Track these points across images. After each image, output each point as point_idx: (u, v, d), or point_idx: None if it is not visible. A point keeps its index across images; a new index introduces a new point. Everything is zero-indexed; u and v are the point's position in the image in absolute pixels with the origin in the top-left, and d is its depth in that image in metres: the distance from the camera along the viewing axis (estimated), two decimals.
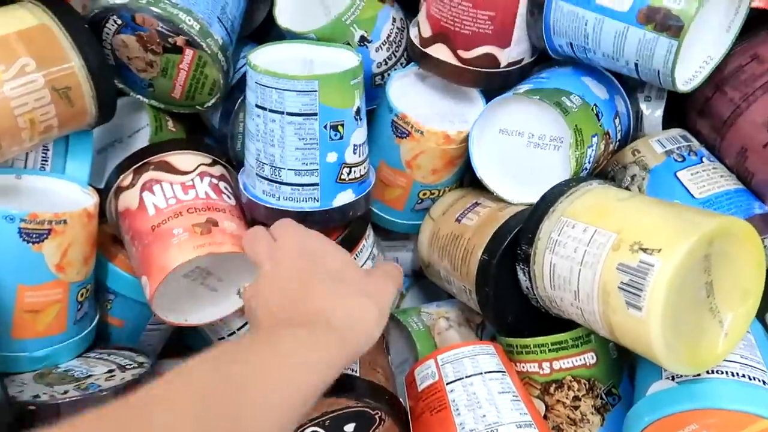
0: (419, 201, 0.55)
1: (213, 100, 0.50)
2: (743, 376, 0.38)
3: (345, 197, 0.47)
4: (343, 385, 0.41)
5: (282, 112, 0.44)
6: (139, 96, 0.51)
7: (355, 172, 0.47)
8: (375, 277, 0.40)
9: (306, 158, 0.45)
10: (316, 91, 0.43)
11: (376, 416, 0.42)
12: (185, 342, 0.63)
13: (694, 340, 0.37)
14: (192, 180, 0.47)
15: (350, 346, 0.35)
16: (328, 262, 0.40)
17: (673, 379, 0.39)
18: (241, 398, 0.29)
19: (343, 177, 0.46)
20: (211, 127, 0.55)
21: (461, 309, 0.55)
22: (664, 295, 0.34)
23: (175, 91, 0.50)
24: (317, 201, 0.46)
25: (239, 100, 0.50)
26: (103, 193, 0.49)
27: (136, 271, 0.47)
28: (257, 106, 0.44)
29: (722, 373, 0.38)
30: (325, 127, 0.45)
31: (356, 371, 0.43)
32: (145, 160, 0.48)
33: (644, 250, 0.35)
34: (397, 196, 0.54)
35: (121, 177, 0.48)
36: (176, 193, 0.46)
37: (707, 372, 0.38)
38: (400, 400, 0.45)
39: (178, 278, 0.45)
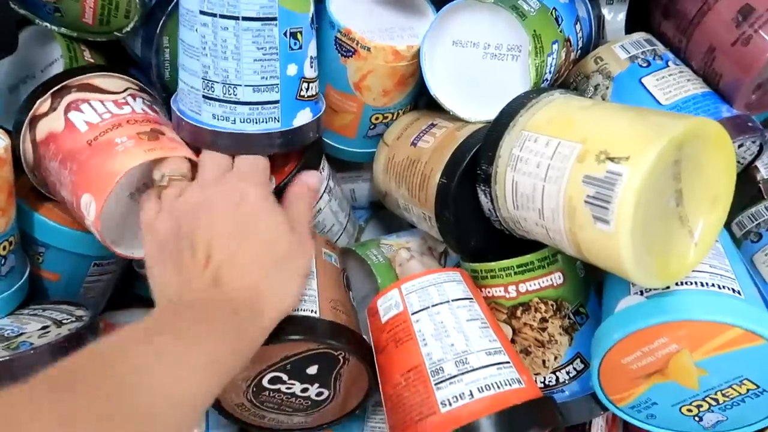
0: (372, 126, 0.51)
1: (131, 24, 0.45)
2: (712, 285, 0.37)
3: (304, 116, 0.42)
4: (303, 327, 0.39)
5: (237, 18, 0.38)
6: (45, 23, 0.45)
7: (312, 88, 0.43)
8: (297, 233, 0.39)
9: (265, 71, 0.40)
10: None
11: (340, 356, 0.40)
12: (137, 291, 0.59)
13: (664, 251, 0.35)
14: (124, 98, 0.42)
15: (268, 322, 0.36)
16: (261, 229, 0.38)
17: (641, 294, 0.38)
18: (140, 393, 0.28)
19: (302, 93, 0.42)
20: (134, 56, 0.50)
21: (423, 238, 0.53)
22: (633, 205, 0.31)
23: (86, 15, 0.44)
24: (278, 121, 0.41)
25: (161, 22, 0.44)
26: (15, 134, 0.43)
27: (73, 195, 0.41)
28: (203, 12, 0.38)
29: (691, 284, 0.37)
30: (285, 34, 0.39)
31: (316, 312, 0.41)
32: (63, 84, 0.42)
33: (611, 159, 0.33)
34: (347, 123, 0.50)
35: (36, 105, 0.42)
36: (110, 109, 0.42)
37: (676, 284, 0.37)
38: (364, 337, 0.43)
39: (124, 199, 0.41)
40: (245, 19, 0.38)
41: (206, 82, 0.40)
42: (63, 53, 0.46)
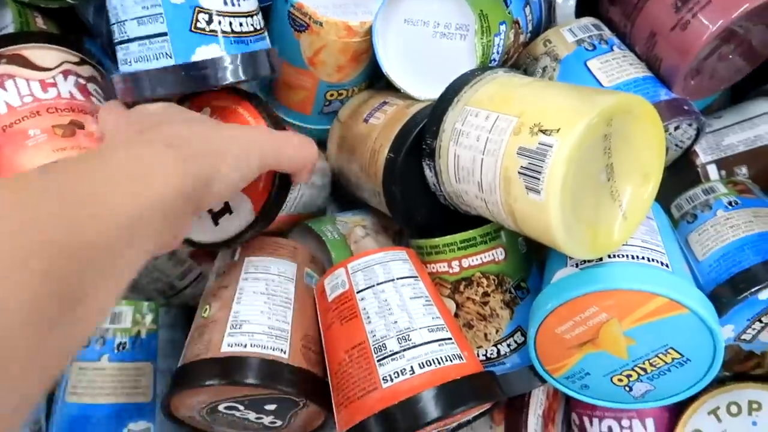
0: (327, 103, 0.51)
1: None
2: (642, 258, 0.38)
3: (208, 52, 0.38)
4: (270, 373, 0.38)
5: None
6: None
7: (222, 23, 0.39)
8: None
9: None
10: None
11: (301, 402, 0.40)
12: None
13: (594, 223, 0.37)
14: (53, 78, 0.42)
15: (193, 166, 0.31)
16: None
17: (576, 266, 0.39)
18: (74, 208, 0.25)
19: (199, 25, 0.38)
20: (87, 24, 0.50)
21: (378, 216, 0.54)
22: (562, 174, 0.32)
23: None
24: (170, 56, 0.38)
25: None
26: None
27: None
28: None
29: (622, 256, 0.38)
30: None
31: (286, 352, 0.40)
32: None
33: (543, 132, 0.34)
34: (302, 99, 0.51)
35: None
36: (33, 91, 0.41)
37: (608, 257, 0.38)
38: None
39: None
40: None
41: (114, 26, 0.39)
42: (14, 18, 0.46)
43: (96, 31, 0.47)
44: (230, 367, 0.38)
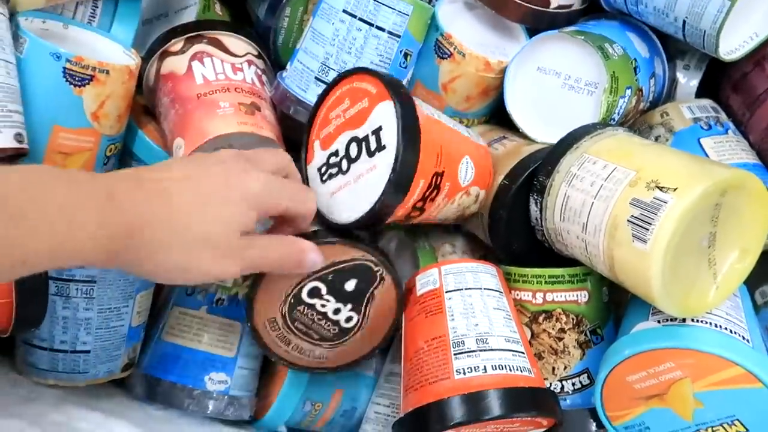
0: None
1: None
2: (725, 329, 0.40)
3: None
4: (349, 234, 0.43)
5: (372, 24, 0.46)
6: None
7: None
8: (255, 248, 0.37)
9: None
10: (408, 15, 0.46)
11: (378, 273, 0.44)
12: None
13: (688, 285, 0.39)
14: (241, 64, 0.48)
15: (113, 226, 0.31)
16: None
17: (658, 322, 0.41)
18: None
19: None
20: (255, 18, 0.56)
21: (467, 239, 0.57)
22: (672, 229, 0.35)
23: None
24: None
25: None
26: (144, 60, 0.50)
27: (170, 132, 0.48)
28: (345, 11, 0.46)
29: (706, 323, 0.40)
30: (401, 51, 0.47)
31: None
32: (198, 32, 0.49)
33: (660, 188, 0.37)
34: None
35: (172, 42, 0.49)
36: (226, 71, 0.47)
37: (692, 320, 0.40)
38: None
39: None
40: (378, 28, 0.46)
41: (323, 66, 0.47)
42: (198, 0, 0.53)
43: (263, 26, 0.53)
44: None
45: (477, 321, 0.42)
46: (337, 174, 0.44)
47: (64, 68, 0.42)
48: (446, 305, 0.44)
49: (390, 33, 0.46)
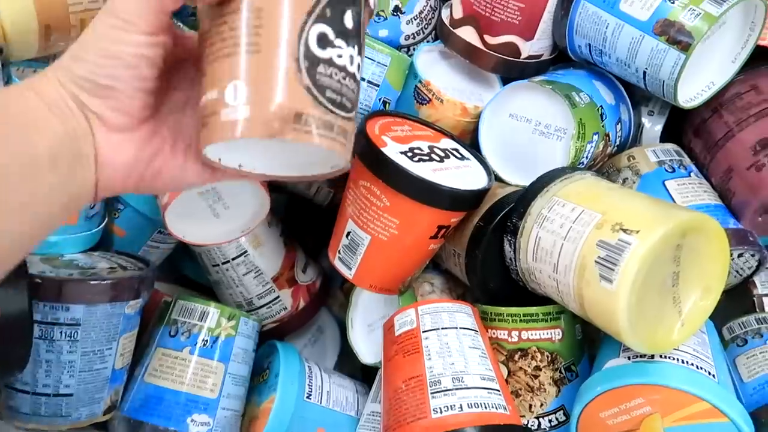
0: None
1: None
2: (692, 365, 0.41)
3: None
4: None
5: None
6: (179, 24, 0.54)
7: None
8: None
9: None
10: (386, 66, 0.49)
11: None
12: (179, 267, 0.65)
13: (655, 322, 0.41)
14: None
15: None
16: None
17: (629, 359, 0.43)
18: None
19: None
20: None
21: (445, 278, 0.59)
22: (635, 270, 0.37)
23: None
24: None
25: None
26: None
27: None
28: None
29: (674, 359, 0.42)
30: (380, 99, 0.50)
31: None
32: None
33: (624, 230, 0.39)
34: None
35: None
36: None
37: (660, 356, 0.42)
38: None
39: (193, 194, 0.48)
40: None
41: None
42: None
43: None
44: None
45: (453, 360, 0.44)
46: None
47: None
48: (423, 345, 0.45)
49: (369, 82, 0.48)
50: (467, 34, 0.54)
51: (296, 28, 0.30)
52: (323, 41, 0.30)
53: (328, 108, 0.30)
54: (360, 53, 0.32)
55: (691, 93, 0.50)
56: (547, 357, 0.48)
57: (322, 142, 0.30)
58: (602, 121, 0.52)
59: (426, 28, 0.57)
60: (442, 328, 0.46)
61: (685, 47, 0.45)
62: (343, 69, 0.31)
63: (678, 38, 0.45)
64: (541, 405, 0.47)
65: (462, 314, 0.47)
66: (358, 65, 0.32)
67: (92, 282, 0.43)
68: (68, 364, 0.44)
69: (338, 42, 0.31)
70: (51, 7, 0.43)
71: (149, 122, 0.33)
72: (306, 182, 0.60)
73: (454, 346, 0.45)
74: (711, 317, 0.43)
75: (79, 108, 0.31)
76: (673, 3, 0.45)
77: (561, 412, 0.47)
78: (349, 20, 0.31)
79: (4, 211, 0.28)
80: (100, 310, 0.44)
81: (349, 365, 0.64)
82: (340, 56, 0.31)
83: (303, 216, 0.67)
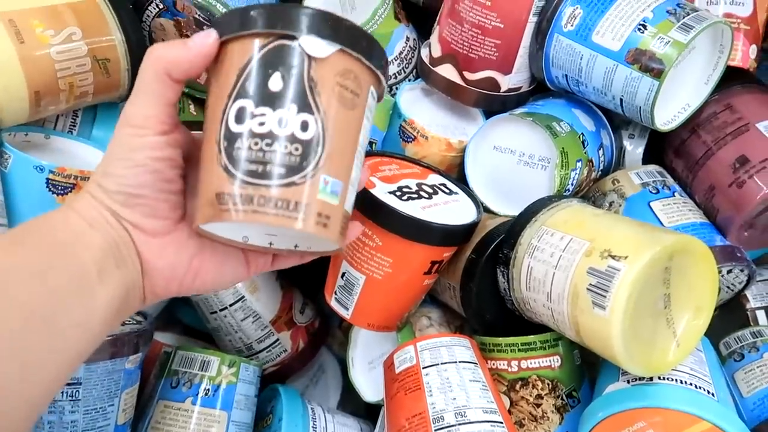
0: None
1: None
2: (690, 384, 0.42)
3: None
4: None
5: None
6: None
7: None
8: None
9: None
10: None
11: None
12: (177, 316, 0.66)
13: (650, 345, 0.41)
14: None
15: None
16: None
17: (628, 382, 0.43)
18: None
19: None
20: None
21: (443, 311, 0.59)
22: (626, 295, 0.38)
23: (201, 76, 0.54)
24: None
25: None
26: None
27: None
28: None
29: (672, 380, 0.42)
30: None
31: None
32: None
33: (612, 257, 0.39)
34: None
35: None
36: None
37: (659, 378, 0.42)
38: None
39: None
40: None
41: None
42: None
43: None
44: None
45: (454, 395, 0.44)
46: None
47: (48, 179, 0.45)
48: (424, 381, 0.45)
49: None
50: (447, 71, 0.55)
51: (219, 114, 0.31)
52: (240, 116, 0.30)
53: (246, 181, 0.30)
54: (306, 110, 0.30)
55: (668, 116, 0.51)
56: (548, 385, 0.48)
57: (246, 217, 0.29)
58: (584, 147, 0.53)
59: (407, 68, 0.59)
60: (442, 363, 0.46)
61: (658, 74, 0.46)
62: (266, 136, 0.30)
63: (650, 66, 0.46)
64: None
65: (461, 347, 0.48)
66: (302, 123, 0.30)
67: None
68: (71, 424, 0.44)
69: (260, 110, 0.30)
70: (40, 74, 0.44)
71: (184, 223, 0.34)
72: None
73: (454, 381, 0.45)
74: (707, 333, 0.43)
75: (116, 220, 0.32)
76: (642, 32, 0.47)
77: None
78: (276, 83, 0.30)
79: (61, 329, 0.29)
80: (101, 368, 0.44)
81: (352, 403, 0.64)
82: (261, 124, 0.30)
83: None
